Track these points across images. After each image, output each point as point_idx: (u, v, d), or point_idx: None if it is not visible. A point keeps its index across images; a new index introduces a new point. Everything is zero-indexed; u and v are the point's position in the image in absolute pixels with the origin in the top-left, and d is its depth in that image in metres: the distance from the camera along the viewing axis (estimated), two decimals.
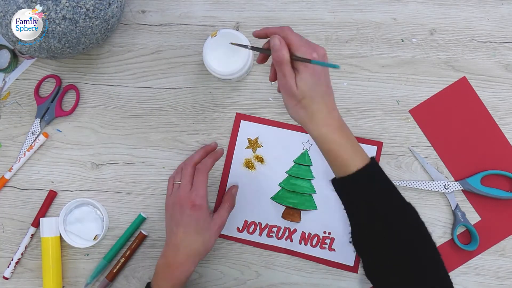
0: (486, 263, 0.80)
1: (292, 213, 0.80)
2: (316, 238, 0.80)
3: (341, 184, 0.66)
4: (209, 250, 0.73)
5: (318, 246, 0.80)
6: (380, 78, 0.82)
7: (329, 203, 0.80)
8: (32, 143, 0.83)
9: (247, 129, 0.81)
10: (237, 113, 0.81)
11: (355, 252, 0.78)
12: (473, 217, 0.80)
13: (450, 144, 0.81)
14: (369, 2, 0.83)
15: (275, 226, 0.80)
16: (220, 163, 0.82)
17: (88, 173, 0.83)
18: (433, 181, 0.80)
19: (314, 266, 0.81)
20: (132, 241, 0.81)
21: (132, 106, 0.84)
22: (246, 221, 0.80)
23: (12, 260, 0.82)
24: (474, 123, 0.81)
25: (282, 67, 0.63)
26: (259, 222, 0.80)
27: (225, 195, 0.79)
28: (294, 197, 0.80)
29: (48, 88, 0.85)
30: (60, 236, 0.81)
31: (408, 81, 0.82)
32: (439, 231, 0.80)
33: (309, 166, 0.80)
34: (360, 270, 0.80)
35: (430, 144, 0.81)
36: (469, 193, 0.80)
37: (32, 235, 0.82)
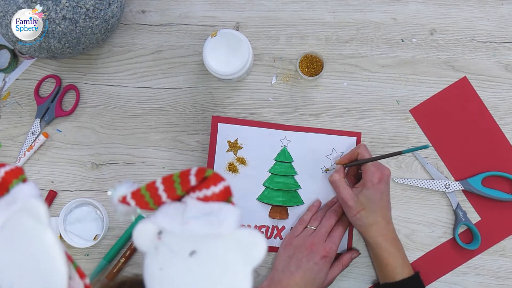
0: (486, 263, 0.80)
1: (279, 210, 0.79)
2: None
3: None
4: None
5: None
6: (380, 78, 0.82)
7: (314, 197, 0.80)
8: (32, 143, 0.83)
9: (225, 132, 0.79)
10: (213, 116, 0.79)
11: (347, 238, 0.80)
12: (473, 217, 0.80)
13: (450, 144, 0.81)
14: (369, 2, 0.83)
15: (263, 226, 0.79)
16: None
17: (88, 173, 0.83)
18: (434, 180, 0.80)
19: None
20: (132, 241, 0.81)
21: (132, 106, 0.84)
22: None
23: None
24: (474, 123, 0.81)
25: (333, 184, 0.76)
26: (247, 225, 0.79)
27: (345, 256, 0.77)
28: (280, 195, 0.79)
29: (48, 88, 0.85)
30: (60, 236, 0.81)
31: (408, 81, 0.82)
32: (440, 230, 0.80)
33: (291, 162, 0.80)
34: (361, 269, 0.80)
35: (430, 144, 0.81)
36: (469, 193, 0.80)
37: None
